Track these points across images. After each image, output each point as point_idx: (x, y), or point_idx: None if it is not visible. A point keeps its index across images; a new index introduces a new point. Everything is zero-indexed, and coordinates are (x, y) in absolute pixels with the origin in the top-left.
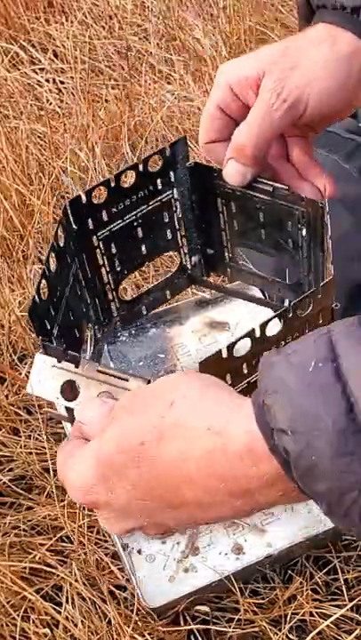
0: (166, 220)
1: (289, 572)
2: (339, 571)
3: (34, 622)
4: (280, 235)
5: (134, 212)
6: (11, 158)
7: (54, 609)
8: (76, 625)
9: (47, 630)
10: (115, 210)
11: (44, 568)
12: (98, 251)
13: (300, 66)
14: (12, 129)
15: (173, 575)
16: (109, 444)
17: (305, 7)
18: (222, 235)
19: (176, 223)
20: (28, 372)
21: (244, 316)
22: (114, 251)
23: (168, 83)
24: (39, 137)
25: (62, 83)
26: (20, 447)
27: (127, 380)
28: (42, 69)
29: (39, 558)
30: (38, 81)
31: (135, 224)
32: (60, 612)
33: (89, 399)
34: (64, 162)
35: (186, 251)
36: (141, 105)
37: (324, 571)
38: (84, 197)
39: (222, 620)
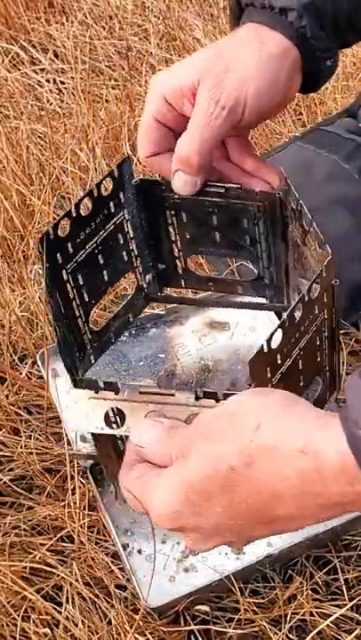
0: (121, 243)
1: (289, 571)
2: (339, 570)
3: (34, 622)
4: (236, 234)
5: (94, 240)
6: (11, 158)
7: (55, 609)
8: (76, 625)
9: (47, 630)
10: (78, 240)
11: (45, 568)
12: (68, 285)
13: (232, 69)
14: (12, 129)
15: (173, 575)
16: (196, 471)
17: (235, 5)
18: (173, 247)
19: (129, 244)
20: (29, 372)
21: (244, 316)
22: (81, 282)
23: None
24: (40, 137)
25: (63, 83)
26: (21, 447)
27: (173, 395)
28: (42, 70)
29: (39, 558)
30: (39, 81)
31: (96, 252)
32: (60, 612)
33: (139, 422)
34: (64, 162)
35: (140, 270)
36: (142, 105)
37: (325, 570)
38: (51, 232)
39: (222, 620)
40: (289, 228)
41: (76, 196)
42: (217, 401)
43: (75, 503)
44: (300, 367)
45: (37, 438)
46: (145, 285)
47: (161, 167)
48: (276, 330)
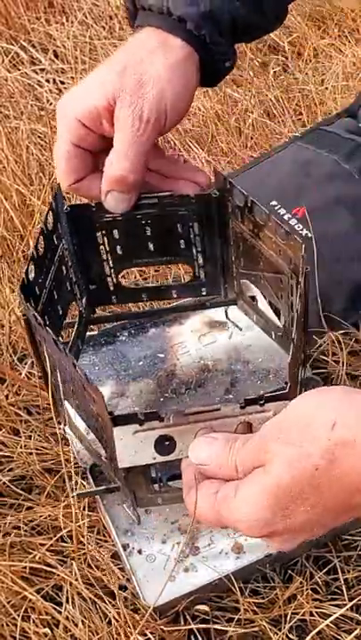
0: (64, 274)
1: (289, 571)
2: (339, 570)
3: (34, 622)
4: (170, 240)
5: (49, 277)
6: (11, 158)
7: (55, 609)
8: (76, 625)
9: (47, 630)
10: (40, 280)
11: (45, 568)
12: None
13: (146, 82)
14: (12, 129)
15: (173, 575)
16: (282, 476)
17: (131, 5)
18: (104, 266)
19: (69, 273)
20: (29, 373)
21: (244, 316)
22: (47, 322)
23: None
24: (40, 137)
25: (63, 83)
26: (21, 447)
27: (219, 409)
28: (42, 69)
29: (39, 558)
30: (39, 81)
31: (52, 288)
32: (60, 612)
33: (195, 442)
34: None
35: (79, 296)
36: None
37: (325, 570)
38: (26, 280)
39: (222, 620)
40: (230, 224)
41: (75, 198)
42: (260, 405)
43: (74, 504)
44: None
45: (37, 438)
46: (83, 310)
47: (87, 190)
48: (296, 326)
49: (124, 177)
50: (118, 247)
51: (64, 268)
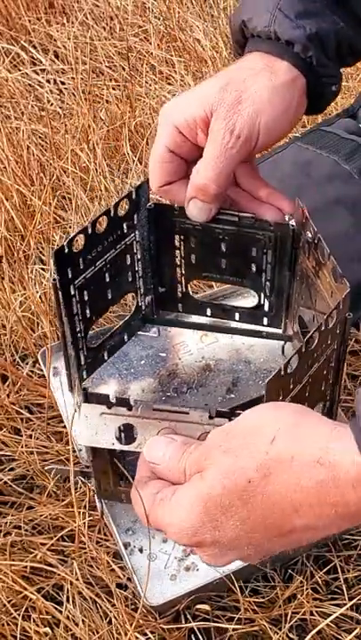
0: (128, 263)
1: (289, 571)
2: (339, 570)
3: (35, 621)
4: (243, 262)
5: (104, 258)
6: (12, 159)
7: (55, 608)
8: (77, 624)
9: (48, 629)
10: (90, 257)
11: (45, 567)
12: (74, 299)
13: (244, 99)
14: (13, 129)
15: (175, 574)
16: (214, 485)
17: (239, 34)
18: (176, 271)
19: (135, 265)
20: (30, 372)
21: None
22: (86, 298)
23: (169, 83)
24: (40, 137)
25: (63, 83)
26: (22, 446)
27: (187, 413)
28: (43, 70)
29: (40, 557)
30: (39, 82)
31: (104, 270)
32: (60, 612)
33: (153, 439)
34: (65, 162)
35: (142, 292)
36: (142, 106)
37: (325, 570)
38: (66, 248)
39: (223, 619)
40: (299, 259)
41: (77, 197)
42: (230, 419)
43: (75, 504)
44: (307, 394)
45: (38, 438)
46: (144, 307)
47: (174, 195)
48: (293, 354)
49: (207, 186)
50: (193, 256)
51: (129, 257)
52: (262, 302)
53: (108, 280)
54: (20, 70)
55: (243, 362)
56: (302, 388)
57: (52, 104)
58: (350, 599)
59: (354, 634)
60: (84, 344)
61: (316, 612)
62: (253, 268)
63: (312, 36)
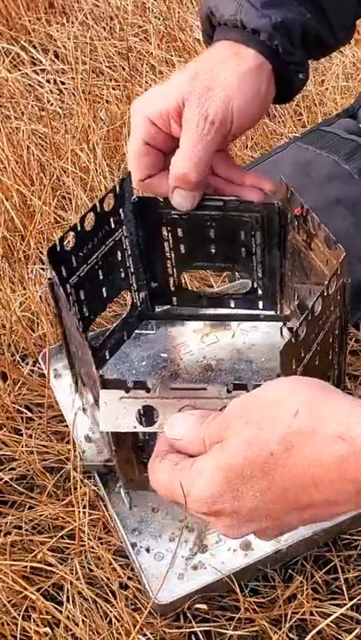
0: (119, 259)
1: (289, 571)
2: (339, 570)
3: (35, 621)
4: (232, 246)
5: (95, 255)
6: (12, 159)
7: (55, 608)
8: (77, 624)
9: (48, 629)
10: (81, 254)
11: (45, 567)
12: (70, 298)
13: (214, 86)
14: (13, 129)
15: (182, 573)
16: (236, 455)
17: (207, 23)
18: (167, 264)
19: (127, 261)
20: (30, 371)
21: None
22: (82, 297)
23: None
24: (40, 137)
25: (63, 83)
26: (22, 446)
27: (205, 389)
28: (43, 70)
29: (40, 557)
30: (39, 82)
31: (96, 267)
32: (61, 612)
33: (172, 417)
34: (65, 162)
35: (135, 288)
36: None
37: (325, 570)
38: (58, 246)
39: (222, 619)
40: (288, 236)
41: (77, 197)
42: (248, 392)
43: (77, 502)
44: (317, 362)
45: (38, 437)
46: (139, 303)
47: (156, 188)
48: (301, 321)
49: (187, 175)
50: (182, 246)
51: (119, 253)
52: (256, 286)
53: (101, 278)
54: (19, 70)
55: (244, 361)
56: (312, 356)
57: (52, 104)
58: (350, 599)
59: (354, 634)
60: (87, 339)
61: (317, 612)
62: (243, 252)
63: (277, 24)
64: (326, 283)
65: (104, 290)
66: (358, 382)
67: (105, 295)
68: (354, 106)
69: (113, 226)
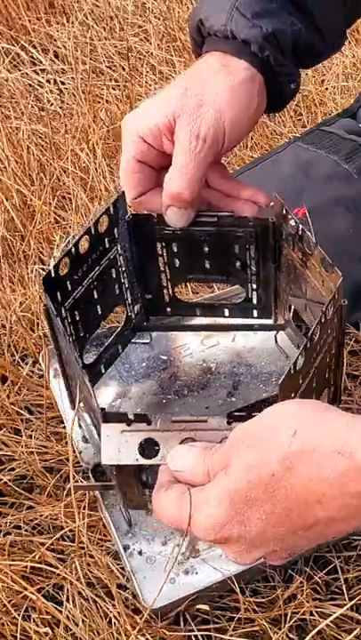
0: (114, 277)
1: (289, 571)
2: (339, 570)
3: (35, 621)
4: (226, 260)
5: (90, 276)
6: (12, 159)
7: (55, 608)
8: (77, 624)
9: (48, 629)
10: (76, 277)
11: (45, 567)
12: (65, 321)
13: (206, 102)
14: (13, 129)
15: (174, 577)
16: (239, 480)
17: (196, 33)
18: (162, 277)
19: (121, 277)
20: (30, 372)
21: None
22: (78, 317)
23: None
24: (40, 137)
25: (63, 83)
26: (22, 447)
27: (206, 421)
28: (43, 70)
29: (40, 557)
30: (39, 82)
31: (92, 287)
32: (60, 611)
33: (175, 450)
34: (65, 162)
35: (130, 302)
36: None
37: (325, 570)
38: (53, 273)
39: (222, 619)
40: (283, 251)
41: (77, 197)
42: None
43: (75, 503)
44: (314, 384)
45: (38, 438)
46: (133, 316)
47: (149, 204)
48: (300, 353)
49: (181, 193)
50: (176, 260)
51: (114, 271)
52: (250, 296)
53: (96, 297)
54: (19, 70)
55: (244, 365)
56: (310, 380)
57: (51, 104)
58: (350, 599)
59: (354, 634)
60: (81, 362)
61: (316, 612)
62: (238, 265)
63: (268, 35)
64: (324, 310)
65: (99, 308)
66: (358, 382)
67: (100, 313)
68: (354, 105)
69: (107, 245)
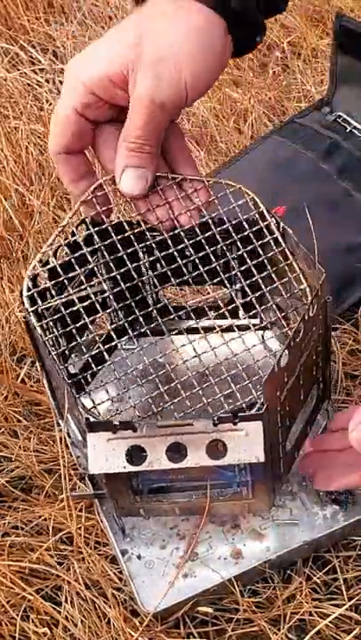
0: (96, 285)
1: (288, 571)
2: (338, 570)
3: (33, 622)
4: (209, 262)
5: (71, 285)
6: (11, 158)
7: (54, 608)
8: (75, 624)
9: (47, 630)
10: (57, 288)
11: (44, 568)
12: (48, 332)
13: (164, 56)
14: (11, 129)
15: (172, 581)
16: None
17: None
18: (144, 282)
19: (103, 285)
20: (28, 372)
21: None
22: (60, 329)
23: None
24: (39, 137)
25: (62, 83)
26: (20, 448)
27: (192, 425)
28: (42, 70)
29: (38, 558)
30: (38, 81)
31: (73, 297)
32: (59, 612)
33: (161, 456)
34: None
35: (114, 308)
36: None
37: (324, 570)
38: (31, 286)
39: (222, 620)
40: (266, 251)
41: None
42: (234, 424)
43: (72, 506)
44: (301, 382)
45: (36, 439)
46: (117, 324)
47: (72, 169)
48: (283, 350)
49: (142, 145)
50: (158, 265)
51: (95, 279)
52: (235, 297)
53: (78, 307)
54: (18, 70)
55: (233, 366)
56: (296, 377)
57: (50, 104)
58: (349, 599)
59: (353, 634)
60: (67, 372)
61: (316, 612)
62: (221, 267)
63: None
64: (307, 307)
65: (82, 318)
66: (358, 382)
67: (83, 323)
68: (328, 94)
69: (87, 255)
